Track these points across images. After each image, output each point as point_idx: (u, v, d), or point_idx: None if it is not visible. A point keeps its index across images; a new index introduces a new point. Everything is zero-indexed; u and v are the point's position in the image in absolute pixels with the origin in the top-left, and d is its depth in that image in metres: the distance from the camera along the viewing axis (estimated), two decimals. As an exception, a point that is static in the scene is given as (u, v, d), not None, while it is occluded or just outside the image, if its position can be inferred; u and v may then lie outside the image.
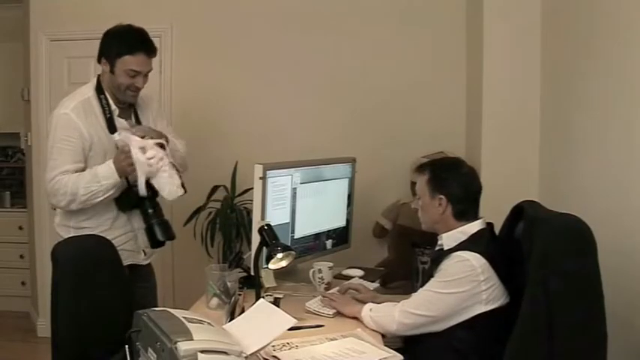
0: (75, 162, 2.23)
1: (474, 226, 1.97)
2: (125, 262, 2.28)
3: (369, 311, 2.01)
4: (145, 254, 2.48)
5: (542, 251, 1.73)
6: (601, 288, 1.67)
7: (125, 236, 2.38)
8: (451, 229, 1.99)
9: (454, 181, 1.99)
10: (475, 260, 1.86)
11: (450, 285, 1.86)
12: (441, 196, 1.98)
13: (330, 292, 2.29)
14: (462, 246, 1.92)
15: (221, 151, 3.63)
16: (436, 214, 2.00)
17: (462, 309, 1.86)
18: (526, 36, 2.97)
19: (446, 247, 1.98)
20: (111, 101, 2.30)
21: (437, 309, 1.87)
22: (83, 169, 2.24)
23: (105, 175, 2.19)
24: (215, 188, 3.48)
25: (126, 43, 2.25)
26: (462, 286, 1.85)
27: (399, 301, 2.03)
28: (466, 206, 1.99)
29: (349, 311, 2.08)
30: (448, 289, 1.86)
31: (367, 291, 2.27)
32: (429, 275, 2.04)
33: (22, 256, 4.49)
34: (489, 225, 2.02)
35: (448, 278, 1.87)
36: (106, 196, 2.23)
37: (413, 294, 1.99)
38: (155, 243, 2.34)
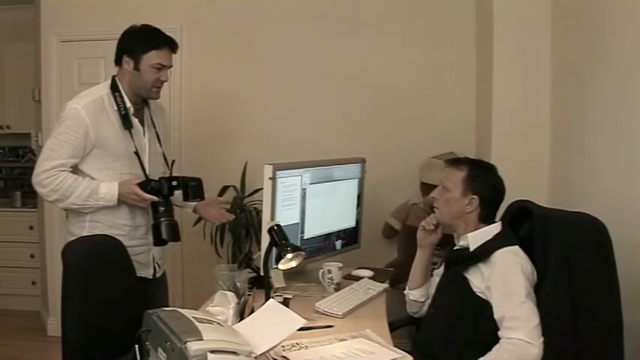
0: (71, 157, 2.25)
1: (496, 228, 1.99)
2: (138, 274, 2.31)
3: None
4: (159, 267, 2.49)
5: (561, 250, 1.75)
6: (617, 282, 1.71)
7: (140, 248, 2.39)
8: (473, 229, 2.00)
9: (489, 185, 2.02)
10: (521, 253, 1.88)
11: (523, 285, 1.80)
12: (474, 197, 1.99)
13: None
14: (494, 244, 1.91)
15: (231, 152, 3.64)
16: (460, 211, 2.01)
17: None
18: (536, 35, 2.95)
19: (472, 247, 1.97)
20: (126, 99, 2.31)
21: (535, 309, 1.79)
22: (75, 164, 2.27)
23: (105, 198, 2.27)
24: (225, 188, 3.50)
25: (151, 39, 2.31)
26: (525, 281, 1.82)
27: None
28: (493, 211, 2.03)
29: None
30: (527, 288, 1.80)
31: None
32: (450, 276, 2.03)
33: (32, 256, 4.53)
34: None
35: (518, 278, 1.81)
36: (94, 209, 2.31)
37: (507, 315, 1.79)
38: (159, 241, 2.35)
